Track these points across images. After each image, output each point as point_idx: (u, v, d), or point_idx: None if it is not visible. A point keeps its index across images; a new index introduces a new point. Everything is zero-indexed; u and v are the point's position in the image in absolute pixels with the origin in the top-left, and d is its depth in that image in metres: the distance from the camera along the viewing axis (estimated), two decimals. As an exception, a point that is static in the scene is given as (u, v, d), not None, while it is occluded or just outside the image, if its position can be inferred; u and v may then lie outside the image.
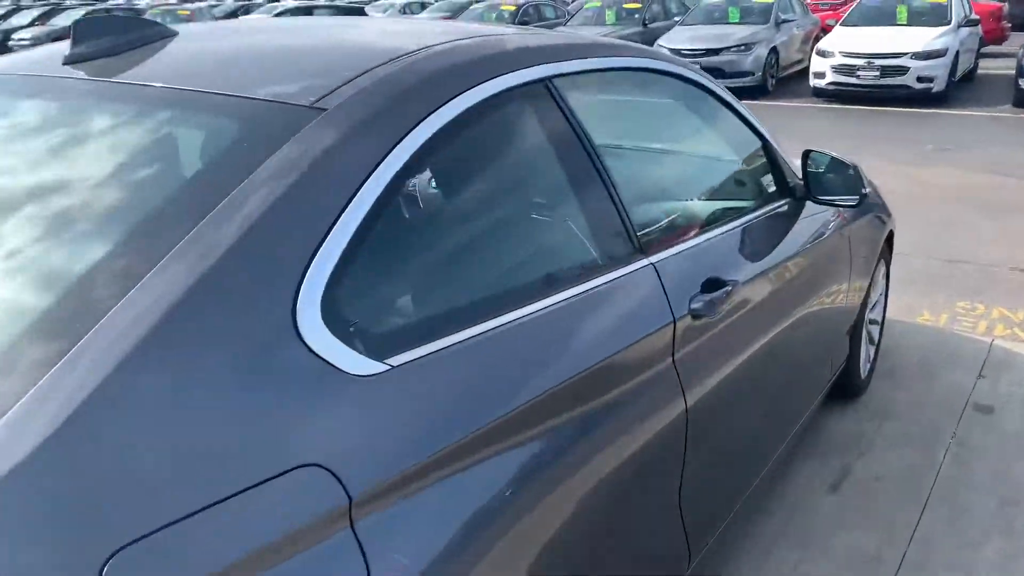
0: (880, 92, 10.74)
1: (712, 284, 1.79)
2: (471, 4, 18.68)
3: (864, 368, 3.36)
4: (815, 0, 22.00)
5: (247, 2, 26.86)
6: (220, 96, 1.32)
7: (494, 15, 15.95)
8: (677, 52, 11.87)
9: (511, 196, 1.58)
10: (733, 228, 2.08)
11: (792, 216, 2.38)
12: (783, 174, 2.39)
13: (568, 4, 18.96)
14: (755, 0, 13.05)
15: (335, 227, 1.14)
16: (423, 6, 23.49)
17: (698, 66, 2.25)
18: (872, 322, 3.45)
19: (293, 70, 1.44)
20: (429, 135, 1.31)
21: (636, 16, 14.36)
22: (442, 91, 1.37)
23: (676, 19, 14.07)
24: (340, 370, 1.07)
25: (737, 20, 12.59)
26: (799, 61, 13.05)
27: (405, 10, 23.23)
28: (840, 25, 11.84)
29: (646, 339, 1.57)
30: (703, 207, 2.18)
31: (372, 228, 1.19)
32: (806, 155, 2.36)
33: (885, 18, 11.48)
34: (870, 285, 3.16)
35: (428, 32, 1.64)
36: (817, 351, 2.68)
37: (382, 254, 1.22)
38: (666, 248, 1.76)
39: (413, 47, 1.46)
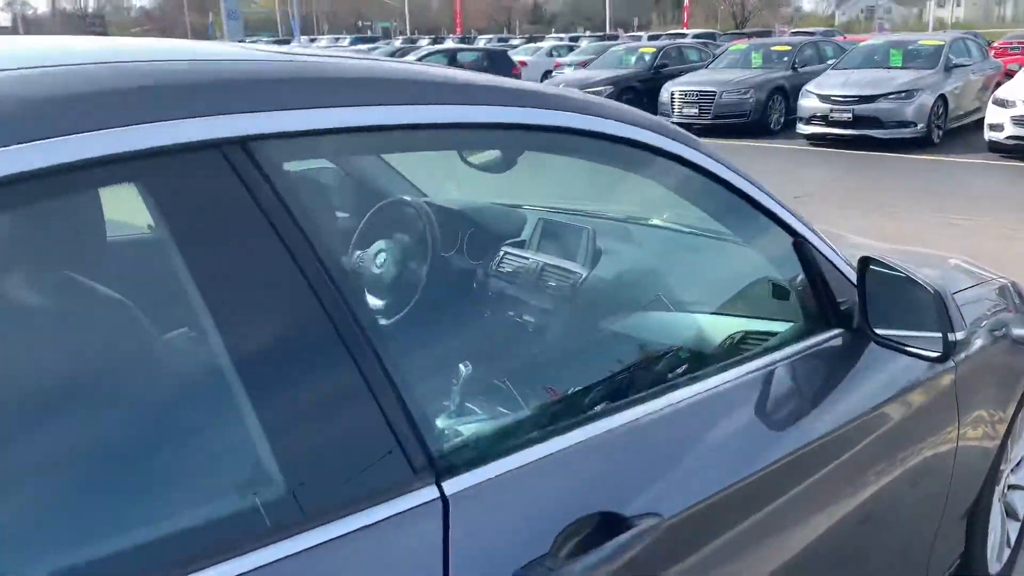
0: (1074, 149, 9.06)
1: (601, 526, 0.94)
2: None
3: (997, 558, 2.29)
4: (1005, 43, 19.79)
5: (407, 45, 27.67)
6: None
7: (632, 58, 15.19)
8: (826, 98, 10.66)
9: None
10: (704, 392, 1.23)
11: (845, 355, 1.48)
12: (831, 292, 1.48)
13: (718, 47, 17.95)
14: (923, 42, 11.58)
15: None
16: (570, 49, 23.21)
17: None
18: (1015, 488, 2.38)
19: None
20: None
21: (785, 59, 13.18)
22: None
23: (831, 64, 12.77)
24: None
25: (900, 64, 11.17)
26: (975, 111, 11.41)
27: (552, 53, 23.02)
28: (1025, 70, 10.21)
29: None
30: (636, 359, 1.34)
31: None
32: (864, 265, 1.44)
33: (1083, 62, 9.77)
34: (1006, 441, 2.13)
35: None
36: (896, 555, 1.71)
37: None
38: (509, 452, 0.94)
39: None
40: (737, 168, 1.38)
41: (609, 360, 1.31)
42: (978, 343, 1.89)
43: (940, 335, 1.33)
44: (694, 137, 1.36)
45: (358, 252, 1.95)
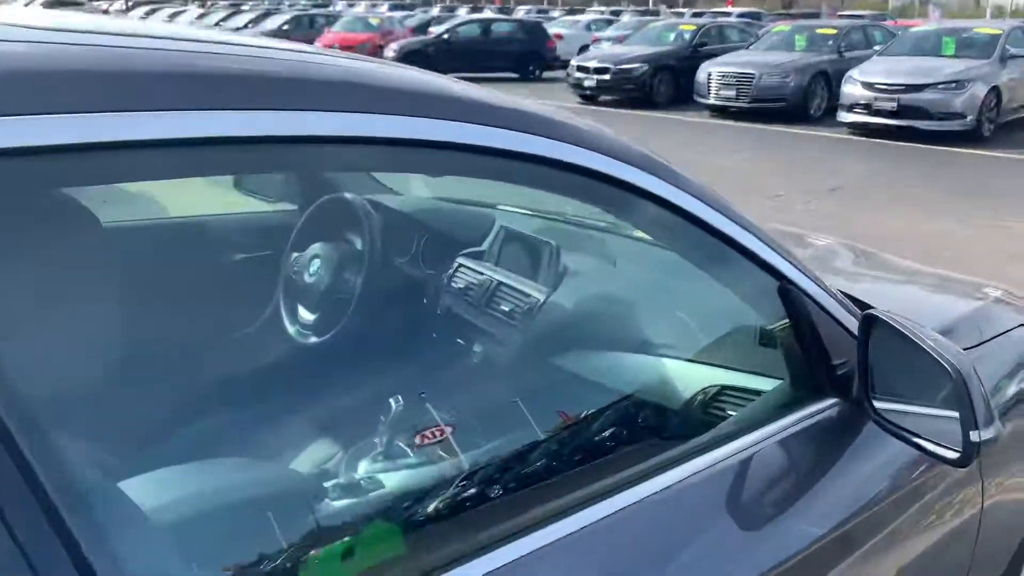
0: None
1: None
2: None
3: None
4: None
5: (445, 14, 27.19)
6: None
7: (671, 35, 14.66)
8: (870, 86, 10.13)
9: None
10: (666, 490, 0.96)
11: (839, 434, 1.17)
12: (826, 352, 1.17)
13: (762, 27, 17.33)
14: (978, 30, 10.96)
15: None
16: (609, 23, 22.63)
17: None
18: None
19: None
20: None
21: (830, 43, 12.60)
22: None
23: (878, 49, 12.18)
24: None
25: (952, 52, 10.57)
26: (1032, 104, 10.83)
27: (591, 26, 22.45)
28: (1088, 64, 9.60)
29: None
30: (582, 436, 1.05)
31: None
32: (868, 323, 1.12)
33: None
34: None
35: None
36: None
37: None
38: None
39: None
40: (702, 189, 1.08)
41: (544, 437, 1.02)
42: (1012, 399, 1.56)
43: (960, 428, 1.01)
44: (658, 159, 1.06)
45: (295, 254, 1.68)
